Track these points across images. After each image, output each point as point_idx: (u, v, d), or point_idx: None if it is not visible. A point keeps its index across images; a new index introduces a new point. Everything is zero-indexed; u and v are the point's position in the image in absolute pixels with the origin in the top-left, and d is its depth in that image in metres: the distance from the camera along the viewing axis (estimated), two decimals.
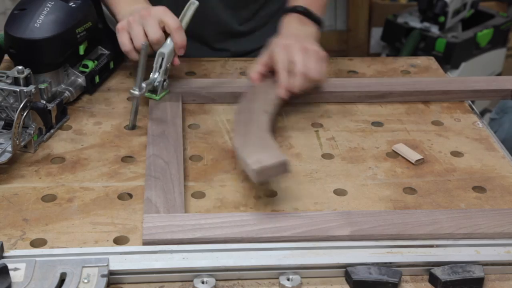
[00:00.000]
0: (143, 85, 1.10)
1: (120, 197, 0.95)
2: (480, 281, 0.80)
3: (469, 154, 1.08)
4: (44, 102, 1.07)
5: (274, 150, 0.92)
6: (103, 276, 0.77)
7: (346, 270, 0.80)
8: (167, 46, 1.15)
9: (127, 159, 1.04)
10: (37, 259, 0.78)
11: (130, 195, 0.95)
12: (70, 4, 1.16)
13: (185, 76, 1.31)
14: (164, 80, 1.16)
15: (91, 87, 1.22)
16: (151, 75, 1.15)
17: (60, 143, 1.07)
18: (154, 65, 1.15)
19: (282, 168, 0.89)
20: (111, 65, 1.28)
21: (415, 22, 2.87)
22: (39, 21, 1.11)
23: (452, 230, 0.86)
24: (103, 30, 1.29)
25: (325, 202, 0.95)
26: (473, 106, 1.24)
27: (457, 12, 2.83)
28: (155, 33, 1.13)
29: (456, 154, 1.08)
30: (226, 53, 1.46)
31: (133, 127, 1.12)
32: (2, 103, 1.04)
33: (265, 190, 0.97)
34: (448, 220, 0.88)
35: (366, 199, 0.96)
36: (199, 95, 1.21)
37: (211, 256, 0.81)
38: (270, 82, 1.14)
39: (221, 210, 0.93)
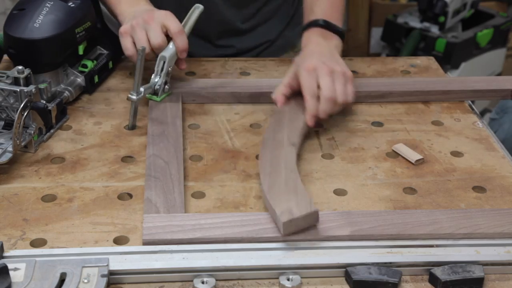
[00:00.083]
0: (142, 89, 1.10)
1: (120, 197, 0.95)
2: (480, 281, 0.80)
3: (469, 154, 1.08)
4: (44, 102, 1.07)
5: (303, 197, 0.87)
6: (103, 276, 0.77)
7: (346, 270, 0.80)
8: (169, 50, 1.15)
9: (127, 159, 1.04)
10: (37, 259, 0.78)
11: (130, 195, 0.95)
12: (69, 4, 1.16)
13: (185, 76, 1.31)
14: (165, 83, 1.16)
15: (90, 87, 1.22)
16: (152, 78, 1.15)
17: (60, 143, 1.07)
18: (156, 68, 1.15)
19: (312, 219, 0.84)
20: (110, 65, 1.28)
21: (415, 22, 2.87)
22: (38, 21, 1.11)
23: (452, 230, 0.86)
24: (101, 30, 1.29)
25: (325, 202, 0.95)
26: (473, 106, 1.24)
27: (457, 12, 2.83)
28: (157, 38, 1.13)
29: (456, 154, 1.08)
30: (229, 49, 1.46)
31: (133, 127, 1.12)
32: (2, 103, 1.04)
33: None
34: (448, 220, 0.88)
35: (366, 199, 0.96)
36: (199, 95, 1.21)
37: (211, 256, 0.81)
38: (295, 106, 1.10)
39: (221, 210, 0.93)
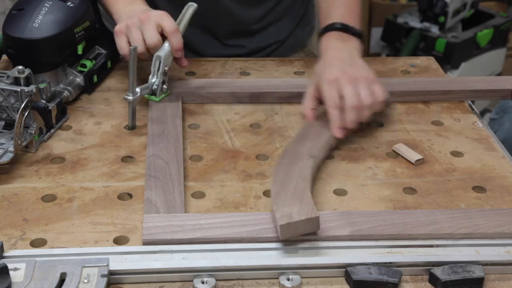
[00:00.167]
0: (137, 89, 1.10)
1: (120, 197, 0.95)
2: (480, 281, 0.80)
3: (469, 154, 1.08)
4: (44, 102, 1.07)
5: (307, 204, 0.86)
6: (103, 276, 0.77)
7: (346, 270, 0.80)
8: (164, 49, 1.15)
9: (127, 159, 1.04)
10: (37, 259, 0.78)
11: (130, 195, 0.95)
12: (68, 3, 1.16)
13: (185, 76, 1.31)
14: (163, 83, 1.16)
15: (89, 87, 1.22)
16: (149, 79, 1.15)
17: (60, 143, 1.07)
18: (152, 69, 1.15)
19: (311, 225, 0.83)
20: (109, 64, 1.28)
21: (415, 22, 2.87)
22: (37, 21, 1.11)
23: (452, 230, 0.86)
24: (100, 30, 1.29)
25: (325, 202, 0.95)
26: (473, 106, 1.24)
27: (457, 12, 2.83)
28: (152, 38, 1.13)
29: (456, 154, 1.08)
30: (239, 49, 1.46)
31: (133, 127, 1.12)
32: (3, 103, 1.04)
33: (265, 190, 0.97)
34: (448, 220, 0.88)
35: (366, 199, 0.96)
36: (199, 95, 1.21)
37: (211, 256, 0.81)
38: (324, 122, 1.07)
39: (221, 210, 0.93)
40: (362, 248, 0.84)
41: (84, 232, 0.87)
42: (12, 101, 1.04)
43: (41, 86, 1.08)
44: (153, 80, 1.15)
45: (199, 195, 0.96)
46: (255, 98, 1.21)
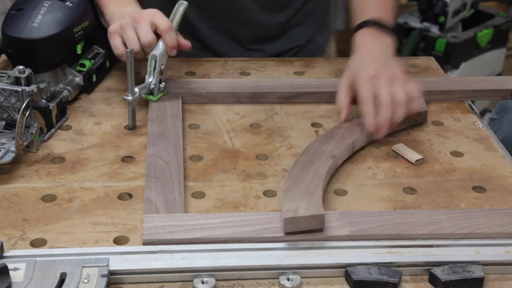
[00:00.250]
0: (136, 89, 1.11)
1: (120, 197, 0.95)
2: (480, 281, 0.80)
3: (469, 154, 1.08)
4: (45, 101, 1.07)
5: (315, 201, 0.86)
6: (103, 276, 0.77)
7: (346, 270, 0.80)
8: (159, 48, 1.15)
9: (127, 159, 1.04)
10: (37, 259, 0.78)
11: (130, 195, 0.95)
12: (67, 3, 1.16)
13: (185, 76, 1.31)
14: (160, 82, 1.16)
15: (88, 86, 1.22)
16: (146, 78, 1.15)
17: (60, 143, 1.07)
18: (148, 68, 1.15)
19: (316, 222, 0.83)
20: (107, 64, 1.28)
21: (415, 22, 2.87)
22: (37, 20, 1.11)
23: (452, 230, 0.86)
24: (98, 29, 1.29)
25: (325, 202, 0.95)
26: (473, 106, 1.24)
27: (457, 12, 2.83)
28: (147, 36, 1.13)
29: (456, 154, 1.08)
30: (260, 53, 1.45)
31: (133, 127, 1.12)
32: (4, 103, 1.05)
33: (265, 190, 0.97)
34: (448, 220, 0.88)
35: (366, 199, 0.96)
36: (199, 95, 1.21)
37: (211, 256, 0.81)
38: (353, 125, 1.08)
39: (221, 210, 0.93)
40: (362, 248, 0.84)
41: (84, 232, 0.87)
42: (13, 101, 1.04)
43: (41, 86, 1.08)
44: (150, 80, 1.15)
45: (199, 195, 0.96)
46: (255, 98, 1.21)
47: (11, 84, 1.04)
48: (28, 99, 1.01)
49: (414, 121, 1.14)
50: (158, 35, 1.15)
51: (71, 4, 1.16)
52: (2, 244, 0.80)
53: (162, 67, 1.15)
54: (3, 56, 1.24)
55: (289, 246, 0.83)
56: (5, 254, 0.80)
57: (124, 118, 1.14)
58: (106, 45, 1.26)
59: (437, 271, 0.80)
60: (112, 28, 1.16)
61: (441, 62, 1.48)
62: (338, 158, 1.01)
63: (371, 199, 0.96)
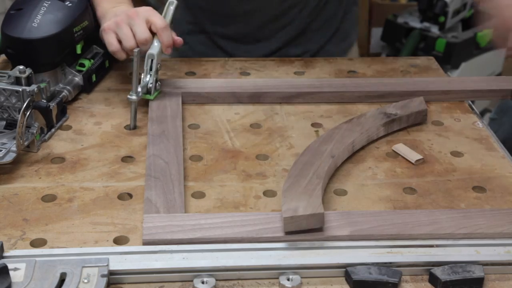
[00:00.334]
0: (139, 89, 1.11)
1: (120, 197, 0.95)
2: (480, 281, 0.80)
3: (469, 154, 1.08)
4: (45, 101, 1.07)
5: (315, 200, 0.86)
6: (103, 276, 0.77)
7: (346, 270, 0.80)
8: (155, 47, 1.15)
9: (127, 159, 1.04)
10: (37, 259, 0.78)
11: (130, 195, 0.95)
12: (67, 3, 1.16)
13: (185, 76, 1.31)
14: (156, 81, 1.16)
15: (88, 86, 1.22)
16: (142, 78, 1.15)
17: (60, 143, 1.07)
18: (145, 68, 1.15)
19: (315, 221, 0.84)
20: (106, 63, 1.28)
21: (415, 22, 2.87)
22: (36, 20, 1.11)
23: (452, 230, 0.86)
24: (97, 29, 1.29)
25: (325, 202, 0.95)
26: (473, 106, 1.23)
27: (457, 12, 2.83)
28: (143, 33, 1.13)
29: (456, 154, 1.08)
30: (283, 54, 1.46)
31: (133, 127, 1.12)
32: (4, 103, 1.05)
33: (265, 190, 0.97)
34: (448, 220, 0.88)
35: (366, 199, 0.96)
36: (199, 95, 1.21)
37: (211, 256, 0.81)
38: (352, 126, 1.08)
39: (221, 210, 0.93)
40: (362, 248, 0.84)
41: (84, 232, 0.87)
42: (14, 100, 1.04)
43: (42, 85, 1.08)
44: (147, 79, 1.15)
45: (199, 195, 0.96)
46: (255, 98, 1.21)
47: (12, 84, 1.04)
48: (29, 99, 1.01)
49: (414, 121, 1.14)
50: (151, 32, 1.15)
51: (70, 4, 1.16)
52: (2, 244, 0.80)
53: (158, 66, 1.15)
54: (3, 56, 1.24)
55: (289, 246, 0.83)
56: (5, 254, 0.80)
57: (124, 118, 1.14)
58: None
59: (437, 271, 0.80)
60: (106, 25, 1.15)
61: (441, 62, 1.47)
62: (338, 158, 1.01)
63: (371, 199, 0.96)
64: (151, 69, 1.15)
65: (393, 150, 1.08)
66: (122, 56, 1.15)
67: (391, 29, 2.95)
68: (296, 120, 1.16)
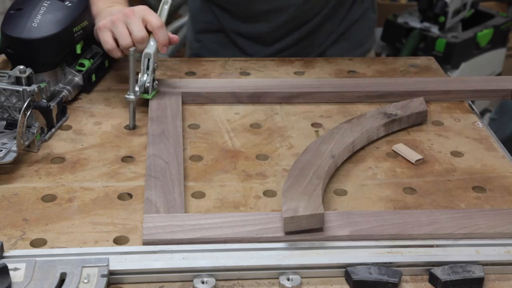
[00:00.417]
0: (136, 88, 1.11)
1: (120, 197, 0.95)
2: (480, 281, 0.80)
3: (469, 154, 1.08)
4: (45, 101, 1.07)
5: (315, 200, 0.87)
6: (103, 276, 0.77)
7: (346, 270, 0.80)
8: (151, 47, 1.15)
9: (127, 159, 1.04)
10: (37, 259, 0.78)
11: (130, 195, 0.95)
12: (66, 3, 1.16)
13: (185, 76, 1.31)
14: (154, 80, 1.16)
15: (88, 86, 1.22)
16: (139, 77, 1.15)
17: (60, 143, 1.07)
18: (142, 67, 1.15)
19: (315, 221, 0.84)
20: (106, 63, 1.28)
21: (415, 22, 2.87)
22: (36, 20, 1.11)
23: (452, 230, 0.86)
24: None
25: (325, 202, 0.95)
26: (473, 106, 1.23)
27: (457, 12, 2.83)
28: (139, 31, 1.13)
29: (456, 154, 1.08)
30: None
31: (133, 127, 1.12)
32: (5, 103, 1.05)
33: (265, 190, 0.97)
34: (448, 220, 0.88)
35: (366, 199, 0.96)
36: (199, 95, 1.21)
37: (211, 256, 0.81)
38: (352, 125, 1.08)
39: (221, 210, 0.93)
40: (362, 248, 0.84)
41: (84, 232, 0.87)
42: (14, 100, 1.04)
43: (42, 85, 1.08)
44: (144, 78, 1.15)
45: (199, 195, 0.96)
46: (255, 98, 1.21)
47: (12, 84, 1.04)
48: (29, 98, 1.01)
49: (414, 121, 1.14)
50: (147, 31, 1.15)
51: (70, 4, 1.16)
52: (2, 244, 0.80)
53: (155, 65, 1.15)
54: (3, 56, 1.24)
55: (289, 246, 0.83)
56: (5, 254, 0.80)
57: (124, 118, 1.14)
58: None
59: (437, 271, 0.80)
60: (102, 23, 1.15)
61: (441, 62, 1.47)
62: (338, 158, 1.01)
63: (371, 199, 0.96)
64: (148, 69, 1.15)
65: (393, 150, 1.08)
66: (117, 54, 1.16)
67: (391, 29, 2.95)
68: (296, 120, 1.16)
